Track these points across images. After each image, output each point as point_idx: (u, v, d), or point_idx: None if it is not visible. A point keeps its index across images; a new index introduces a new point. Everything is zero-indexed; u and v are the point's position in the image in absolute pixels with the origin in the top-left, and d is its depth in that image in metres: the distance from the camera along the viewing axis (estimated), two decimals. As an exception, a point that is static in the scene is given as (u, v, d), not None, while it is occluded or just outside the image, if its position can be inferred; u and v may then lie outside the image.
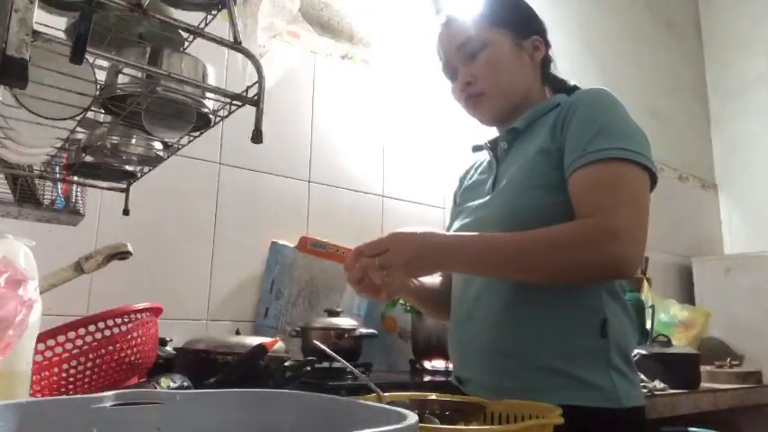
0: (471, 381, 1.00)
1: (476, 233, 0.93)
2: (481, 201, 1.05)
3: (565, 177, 0.92)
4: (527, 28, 1.07)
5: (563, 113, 0.96)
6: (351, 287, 0.94)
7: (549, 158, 0.94)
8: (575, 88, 1.08)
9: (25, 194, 1.04)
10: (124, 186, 1.11)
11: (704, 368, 2.06)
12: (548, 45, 1.10)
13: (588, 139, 0.90)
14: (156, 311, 1.09)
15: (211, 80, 0.81)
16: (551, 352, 0.91)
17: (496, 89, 1.04)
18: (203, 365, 1.02)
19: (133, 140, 0.95)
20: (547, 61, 1.10)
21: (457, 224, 1.08)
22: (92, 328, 0.98)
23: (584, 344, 0.92)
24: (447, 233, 0.92)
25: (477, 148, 1.17)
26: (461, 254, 0.88)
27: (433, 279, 1.16)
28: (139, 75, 0.78)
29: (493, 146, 1.11)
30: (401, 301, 1.72)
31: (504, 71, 1.04)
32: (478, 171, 1.16)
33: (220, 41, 0.76)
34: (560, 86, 1.10)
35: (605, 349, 0.91)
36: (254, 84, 0.77)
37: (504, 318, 0.95)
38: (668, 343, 1.97)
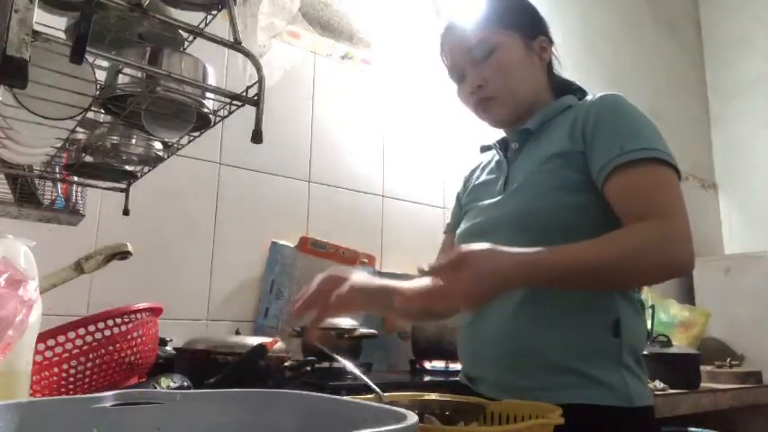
0: (482, 379, 1.00)
1: (540, 249, 0.83)
2: (493, 200, 1.03)
3: (593, 179, 0.92)
4: (534, 28, 1.06)
5: (581, 117, 0.96)
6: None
7: (568, 161, 0.94)
8: (581, 90, 1.08)
9: (25, 194, 1.04)
10: (124, 186, 1.11)
11: (704, 368, 2.06)
12: (551, 43, 1.08)
13: (623, 141, 0.90)
14: (156, 311, 1.09)
15: (211, 80, 0.81)
16: (564, 351, 0.91)
17: (508, 92, 1.03)
18: (203, 365, 1.02)
19: (133, 140, 0.95)
20: (551, 62, 1.09)
21: (466, 224, 1.07)
22: (92, 328, 0.98)
23: (598, 343, 0.92)
24: (512, 252, 0.82)
25: (485, 149, 1.16)
26: (533, 281, 0.85)
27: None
28: (139, 75, 0.78)
29: (502, 146, 1.10)
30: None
31: (516, 74, 1.03)
32: (486, 171, 1.14)
33: (220, 41, 0.76)
34: (566, 87, 1.09)
35: (618, 349, 0.91)
36: (254, 84, 0.77)
37: (516, 317, 0.95)
38: (668, 343, 1.97)
